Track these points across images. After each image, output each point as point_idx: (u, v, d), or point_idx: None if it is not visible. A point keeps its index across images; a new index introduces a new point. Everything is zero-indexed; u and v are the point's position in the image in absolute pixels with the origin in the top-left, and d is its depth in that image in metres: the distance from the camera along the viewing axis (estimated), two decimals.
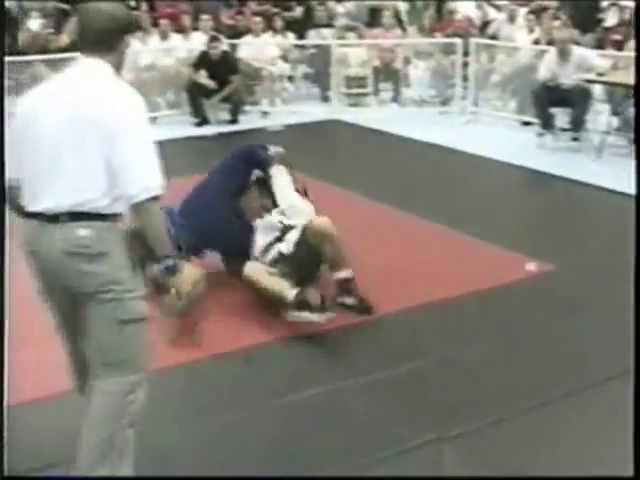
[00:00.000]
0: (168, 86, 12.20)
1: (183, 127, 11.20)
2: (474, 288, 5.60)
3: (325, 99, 12.89)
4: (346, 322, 5.14)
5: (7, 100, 10.51)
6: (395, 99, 12.66)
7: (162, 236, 3.23)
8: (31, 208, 3.23)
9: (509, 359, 4.72)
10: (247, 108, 12.13)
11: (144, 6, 14.03)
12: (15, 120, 3.32)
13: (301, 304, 5.03)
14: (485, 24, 13.87)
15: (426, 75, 12.53)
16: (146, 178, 3.14)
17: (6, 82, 11.23)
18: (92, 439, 3.27)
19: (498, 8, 14.60)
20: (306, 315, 5.04)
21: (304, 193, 6.11)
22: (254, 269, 5.42)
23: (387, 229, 6.91)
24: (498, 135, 10.64)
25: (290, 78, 13.28)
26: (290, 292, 5.11)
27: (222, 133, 11.06)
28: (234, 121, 11.72)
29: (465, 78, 11.93)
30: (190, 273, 3.73)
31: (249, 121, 11.79)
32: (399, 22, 14.11)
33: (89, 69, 3.27)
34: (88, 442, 3.28)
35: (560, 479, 3.67)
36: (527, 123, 10.77)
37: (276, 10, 13.90)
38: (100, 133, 3.10)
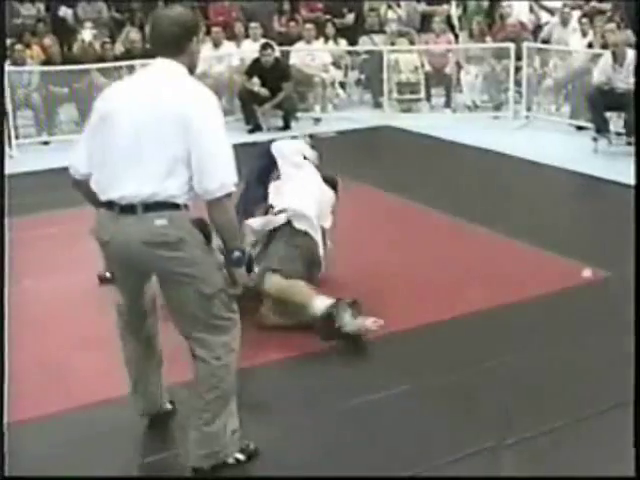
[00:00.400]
0: (221, 93, 12.28)
1: (236, 134, 11.21)
2: (530, 294, 5.57)
3: (377, 105, 12.90)
4: (400, 328, 5.14)
5: (66, 107, 10.51)
6: (447, 104, 12.64)
7: (235, 230, 3.52)
8: (106, 197, 3.44)
9: (565, 366, 4.68)
10: (299, 114, 12.18)
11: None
12: (92, 116, 3.54)
13: (330, 317, 5.00)
14: (538, 28, 13.78)
15: (478, 80, 12.47)
16: (223, 175, 3.35)
17: (60, 90, 11.38)
18: (199, 403, 3.60)
19: (551, 12, 14.49)
20: (358, 323, 5.05)
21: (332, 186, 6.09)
22: (274, 282, 5.31)
23: (441, 236, 6.90)
24: (552, 140, 10.55)
25: (342, 84, 13.31)
26: (316, 305, 5.09)
27: (274, 140, 11.09)
28: (286, 127, 11.77)
29: (518, 83, 11.86)
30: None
31: (301, 127, 11.81)
32: (451, 27, 14.06)
33: (166, 70, 3.50)
34: (195, 406, 3.62)
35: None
36: (581, 128, 10.68)
37: (328, 17, 13.96)
38: (180, 130, 3.30)
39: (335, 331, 4.96)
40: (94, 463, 3.86)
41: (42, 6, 14.32)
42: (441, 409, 4.27)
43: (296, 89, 12.07)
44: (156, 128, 3.33)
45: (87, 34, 12.99)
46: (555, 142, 10.42)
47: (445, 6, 14.74)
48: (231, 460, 3.72)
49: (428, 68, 12.59)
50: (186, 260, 3.42)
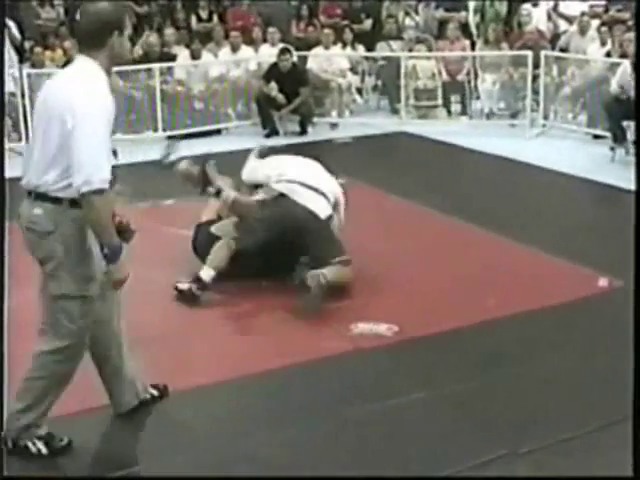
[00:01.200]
0: (238, 97, 12.33)
1: (252, 138, 11.26)
2: (545, 303, 5.56)
3: (394, 111, 12.89)
4: (417, 334, 5.14)
5: None
6: (463, 111, 12.63)
7: (103, 227, 3.59)
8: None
9: (581, 375, 4.67)
10: (316, 120, 12.19)
11: (215, 18, 14.22)
12: None
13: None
14: (556, 36, 13.74)
15: (495, 87, 12.45)
16: (89, 172, 3.48)
17: None
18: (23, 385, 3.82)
19: (569, 20, 14.44)
20: (373, 328, 5.08)
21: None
22: (322, 273, 5.52)
23: (456, 243, 6.90)
24: (569, 148, 10.53)
25: (359, 90, 13.32)
26: None
27: (291, 144, 11.12)
28: (303, 132, 11.79)
29: (535, 91, 11.84)
30: None
31: (318, 133, 11.85)
32: (469, 34, 14.04)
33: (77, 69, 3.69)
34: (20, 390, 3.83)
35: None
36: (598, 136, 10.65)
37: (346, 22, 13.97)
38: (59, 126, 3.51)
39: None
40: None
41: (62, 10, 14.38)
42: (456, 417, 4.27)
43: (313, 94, 12.08)
44: (44, 124, 3.58)
45: None
46: (572, 151, 10.40)
47: (462, 13, 14.72)
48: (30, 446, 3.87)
49: (445, 76, 12.57)
50: (46, 253, 3.63)
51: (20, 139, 10.36)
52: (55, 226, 3.60)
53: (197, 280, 5.71)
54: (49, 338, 3.76)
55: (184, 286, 5.71)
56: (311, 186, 6.00)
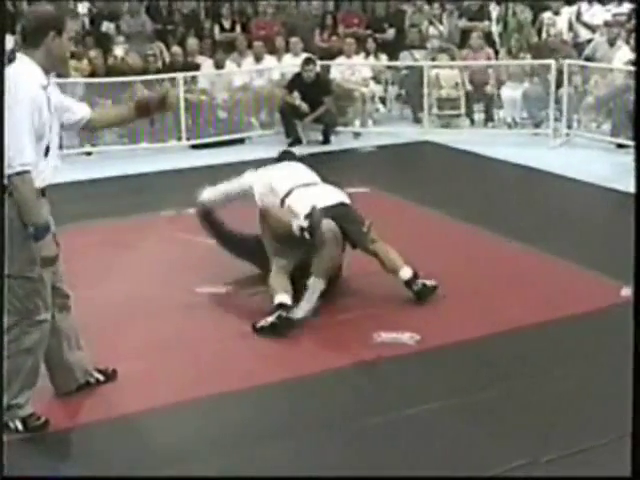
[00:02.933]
0: (261, 107, 12.38)
1: (276, 147, 11.23)
2: (569, 312, 5.55)
3: (417, 120, 12.90)
4: (439, 343, 5.15)
5: None
6: (487, 121, 12.61)
7: (26, 206, 3.90)
8: None
9: (603, 384, 4.66)
10: (339, 129, 12.22)
11: (238, 28, 14.29)
12: None
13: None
14: (576, 45, 13.70)
15: (518, 97, 12.43)
16: (11, 156, 3.75)
17: (103, 101, 11.53)
18: None
19: (592, 29, 14.39)
20: (395, 337, 5.10)
21: None
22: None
23: (479, 251, 6.90)
24: (592, 158, 10.49)
25: (382, 99, 13.34)
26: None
27: (314, 153, 11.15)
28: (326, 142, 11.82)
29: (558, 100, 11.81)
30: None
31: (341, 142, 11.87)
32: (492, 44, 14.04)
33: (16, 64, 3.99)
34: None
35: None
36: (622, 145, 10.61)
37: (369, 32, 14.00)
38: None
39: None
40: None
41: (87, 20, 14.51)
42: (477, 426, 4.27)
43: (336, 103, 12.11)
44: None
45: (119, 50, 13.14)
46: (596, 160, 10.36)
47: (485, 22, 14.72)
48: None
49: (469, 87, 12.56)
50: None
51: None
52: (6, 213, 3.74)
53: (280, 306, 5.46)
54: (6, 319, 3.95)
55: (271, 319, 5.39)
56: (309, 183, 6.13)
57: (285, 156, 6.72)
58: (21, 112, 3.85)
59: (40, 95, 3.97)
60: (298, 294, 5.57)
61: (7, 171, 3.74)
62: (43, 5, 4.08)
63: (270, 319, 5.36)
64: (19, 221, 3.91)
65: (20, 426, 4.20)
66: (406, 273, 5.77)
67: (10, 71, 3.81)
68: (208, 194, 6.38)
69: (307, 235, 5.49)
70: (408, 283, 5.75)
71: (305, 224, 5.50)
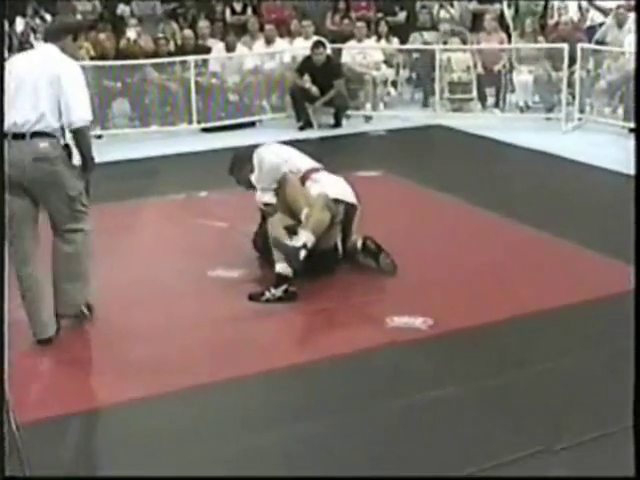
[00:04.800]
0: (272, 90, 12.34)
1: (286, 130, 11.30)
2: (582, 298, 5.53)
3: (428, 104, 12.86)
4: (452, 328, 5.14)
5: (119, 101, 10.79)
6: (497, 105, 12.56)
7: (89, 147, 5.09)
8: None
9: (618, 371, 4.63)
10: (350, 112, 12.19)
11: (249, 11, 14.25)
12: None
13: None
14: (588, 29, 13.61)
15: (530, 80, 12.37)
16: (80, 112, 4.89)
17: (114, 84, 11.60)
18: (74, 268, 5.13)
19: (604, 12, 14.29)
20: (408, 321, 5.09)
21: None
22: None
23: (491, 236, 6.88)
24: (605, 142, 10.43)
25: (393, 83, 13.29)
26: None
27: (325, 137, 11.14)
28: (337, 125, 11.80)
29: (571, 84, 11.74)
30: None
31: (352, 125, 11.85)
32: (505, 27, 13.96)
33: (46, 50, 5.10)
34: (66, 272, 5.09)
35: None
36: (634, 130, 10.52)
37: (380, 15, 13.94)
38: (52, 84, 4.82)
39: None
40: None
41: (98, 3, 14.47)
42: (490, 412, 4.26)
43: (347, 87, 12.07)
44: (44, 83, 4.85)
45: (132, 32, 13.11)
46: (608, 144, 10.29)
47: (496, 5, 14.63)
48: (82, 310, 5.19)
49: (480, 69, 12.50)
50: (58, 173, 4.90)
51: None
52: (57, 153, 4.95)
53: (282, 278, 5.58)
54: (76, 227, 5.07)
55: (278, 293, 5.54)
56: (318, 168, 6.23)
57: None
58: (78, 78, 4.93)
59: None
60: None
61: (78, 124, 4.86)
62: (71, 16, 5.61)
63: (277, 293, 5.50)
64: (64, 160, 4.94)
65: (86, 310, 5.22)
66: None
67: (48, 49, 5.07)
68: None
69: (301, 254, 5.55)
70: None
71: (302, 253, 5.55)
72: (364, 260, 6.03)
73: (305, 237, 5.57)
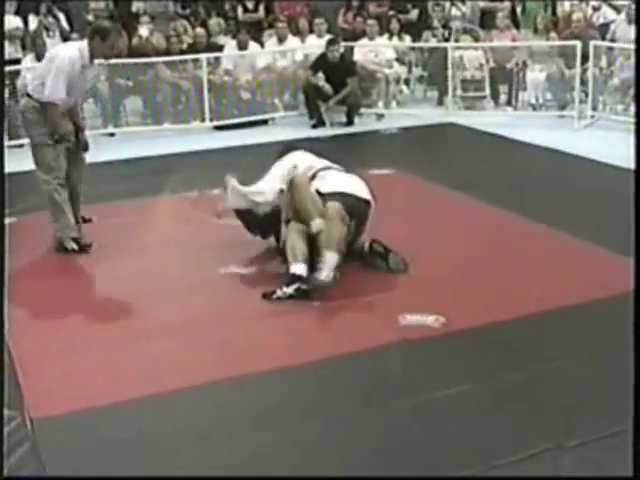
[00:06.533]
0: (285, 88, 12.35)
1: (299, 128, 11.32)
2: (594, 296, 5.51)
3: (440, 102, 12.84)
4: (465, 326, 5.13)
5: (131, 99, 10.83)
6: (510, 102, 12.53)
7: (51, 122, 6.30)
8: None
9: (628, 369, 4.62)
10: (362, 110, 12.19)
11: (261, 9, 14.25)
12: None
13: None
14: (601, 26, 13.56)
15: (542, 78, 12.33)
16: (49, 89, 6.21)
17: (126, 82, 11.68)
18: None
19: (617, 9, 14.24)
20: (420, 319, 5.08)
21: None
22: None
23: (504, 234, 6.87)
24: (618, 140, 10.36)
25: (406, 81, 13.28)
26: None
27: (337, 135, 11.15)
28: (350, 123, 11.80)
29: (583, 81, 11.71)
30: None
31: (364, 123, 11.85)
32: (516, 24, 13.94)
33: (76, 44, 6.60)
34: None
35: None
36: None
37: (392, 13, 13.93)
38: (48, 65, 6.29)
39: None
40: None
41: (111, 1, 14.50)
42: (502, 409, 4.26)
43: (360, 85, 12.07)
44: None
45: (144, 30, 13.14)
46: (621, 142, 10.21)
47: (506, 3, 14.59)
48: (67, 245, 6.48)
49: (492, 65, 12.48)
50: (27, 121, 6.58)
51: None
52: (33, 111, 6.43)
53: (295, 277, 5.56)
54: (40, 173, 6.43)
55: (290, 290, 5.51)
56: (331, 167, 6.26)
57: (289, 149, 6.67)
58: (61, 67, 6.15)
59: (76, 66, 6.24)
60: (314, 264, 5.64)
61: (38, 96, 6.23)
62: (105, 21, 7.58)
63: (288, 291, 5.48)
64: (33, 114, 6.31)
65: (75, 246, 6.46)
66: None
67: (63, 46, 6.72)
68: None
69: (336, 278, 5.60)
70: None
71: (337, 276, 5.60)
72: (372, 262, 6.01)
73: (333, 259, 5.57)
